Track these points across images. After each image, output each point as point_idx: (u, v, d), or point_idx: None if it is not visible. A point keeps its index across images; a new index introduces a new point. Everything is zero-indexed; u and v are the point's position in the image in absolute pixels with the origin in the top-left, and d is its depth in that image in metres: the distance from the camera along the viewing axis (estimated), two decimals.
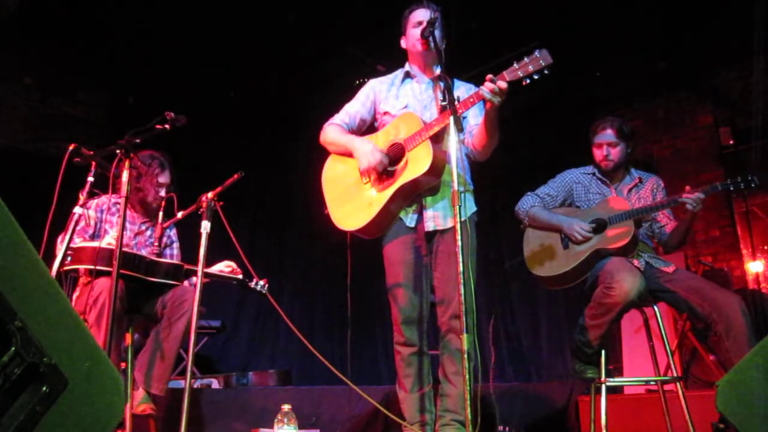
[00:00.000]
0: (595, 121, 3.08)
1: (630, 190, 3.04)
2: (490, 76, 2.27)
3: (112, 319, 2.23)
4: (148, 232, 3.16)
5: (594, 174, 3.09)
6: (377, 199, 2.52)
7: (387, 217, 2.55)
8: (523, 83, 2.24)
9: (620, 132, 3.00)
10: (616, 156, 3.00)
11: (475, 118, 2.59)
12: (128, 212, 2.94)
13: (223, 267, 3.03)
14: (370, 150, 2.53)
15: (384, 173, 2.54)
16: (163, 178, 3.12)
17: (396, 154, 2.53)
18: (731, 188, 2.71)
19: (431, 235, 2.57)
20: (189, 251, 3.06)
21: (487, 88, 2.26)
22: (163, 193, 3.11)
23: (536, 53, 2.21)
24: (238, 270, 3.04)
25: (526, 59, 2.22)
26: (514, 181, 4.21)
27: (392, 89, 2.73)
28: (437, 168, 2.43)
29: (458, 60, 2.59)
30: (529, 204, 3.06)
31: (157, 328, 2.87)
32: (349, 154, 2.65)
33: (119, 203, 2.99)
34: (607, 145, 3.00)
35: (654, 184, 3.05)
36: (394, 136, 2.55)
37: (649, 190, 3.03)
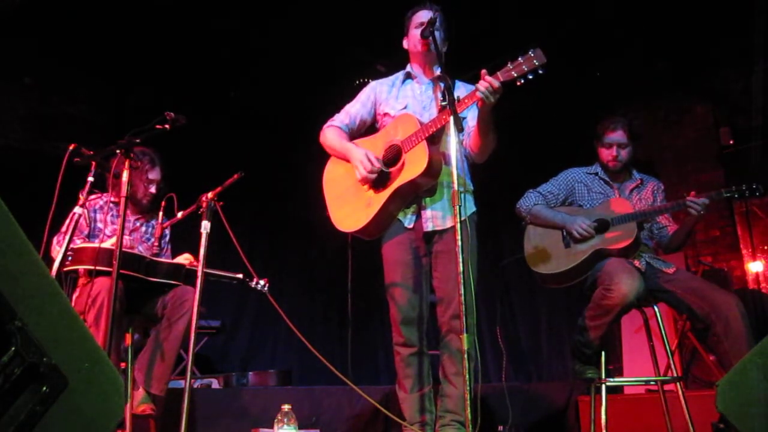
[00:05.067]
0: (604, 121, 3.05)
1: (631, 191, 3.04)
2: (485, 71, 2.26)
3: (112, 319, 2.23)
4: (143, 228, 3.17)
5: (597, 174, 3.08)
6: (375, 200, 2.52)
7: (385, 218, 2.55)
8: (518, 83, 2.21)
9: (630, 133, 3.01)
10: (626, 157, 3.00)
11: (473, 119, 2.58)
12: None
13: (182, 260, 3.01)
14: (362, 156, 2.53)
15: (382, 175, 2.54)
16: (153, 175, 3.13)
17: (393, 156, 2.53)
18: (736, 196, 2.72)
19: (430, 236, 2.57)
20: (189, 251, 3.06)
21: (482, 86, 2.25)
22: (153, 189, 3.12)
23: (530, 52, 2.19)
24: (196, 262, 3.02)
25: (520, 59, 2.20)
26: (514, 181, 4.20)
27: (393, 90, 2.73)
28: (434, 169, 2.43)
29: (458, 60, 2.59)
30: (531, 202, 3.06)
31: (158, 328, 2.87)
32: (347, 159, 2.65)
33: (113, 202, 3.01)
34: (617, 146, 2.99)
35: (655, 186, 3.06)
36: (392, 138, 2.55)
37: (650, 191, 3.04)
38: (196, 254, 2.41)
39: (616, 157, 2.99)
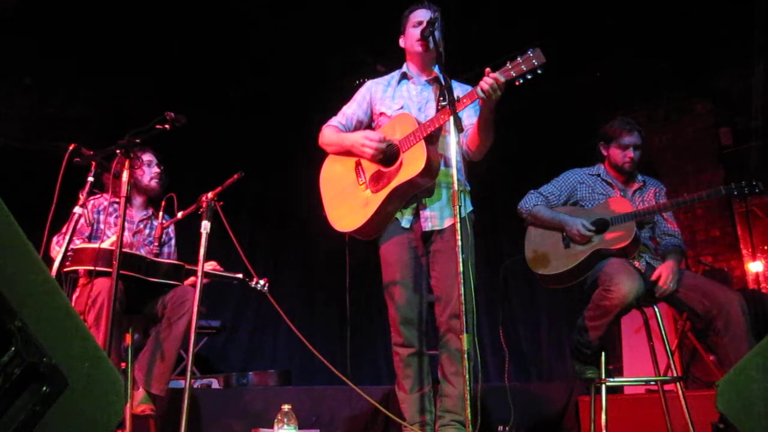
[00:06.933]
0: (616, 122, 3.07)
1: (634, 193, 3.04)
2: (488, 69, 2.26)
3: (112, 320, 2.23)
4: (147, 230, 3.17)
5: (599, 175, 3.08)
6: (373, 200, 2.52)
7: (383, 218, 2.54)
8: (516, 83, 2.21)
9: (642, 135, 3.03)
10: (638, 158, 3.03)
11: (469, 118, 2.57)
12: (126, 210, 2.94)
13: (207, 266, 3.02)
14: (362, 135, 2.53)
15: (379, 174, 2.53)
16: (148, 156, 3.16)
17: (391, 155, 2.52)
18: (735, 193, 2.72)
19: (428, 236, 2.57)
20: (189, 251, 3.06)
21: (484, 84, 2.25)
22: (155, 168, 3.15)
23: (529, 52, 2.18)
24: (220, 267, 3.04)
25: (519, 59, 2.20)
26: (514, 181, 4.21)
27: (389, 90, 2.73)
28: (432, 169, 2.42)
29: (456, 61, 2.58)
30: (532, 202, 3.06)
31: (158, 328, 2.87)
32: (346, 154, 2.65)
33: (116, 202, 3.01)
34: (633, 147, 3.00)
35: (657, 189, 3.07)
36: (390, 137, 2.54)
37: (652, 194, 3.05)
38: (195, 254, 2.40)
39: (633, 159, 3.00)
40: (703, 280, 2.75)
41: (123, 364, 2.84)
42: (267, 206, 6.54)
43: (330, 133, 2.73)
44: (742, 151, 5.55)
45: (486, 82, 2.24)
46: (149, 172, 3.16)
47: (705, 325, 2.62)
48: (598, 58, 5.50)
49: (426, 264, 2.58)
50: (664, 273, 2.70)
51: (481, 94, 2.25)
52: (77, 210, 2.58)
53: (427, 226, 2.54)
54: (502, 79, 2.22)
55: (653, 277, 2.72)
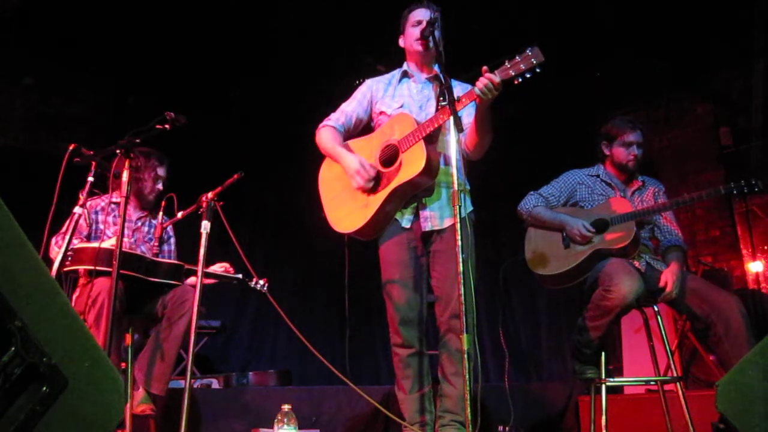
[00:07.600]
0: (617, 122, 3.08)
1: (633, 193, 3.04)
2: (485, 68, 2.25)
3: (112, 320, 2.23)
4: (145, 228, 3.17)
5: (599, 176, 3.08)
6: (372, 201, 2.51)
7: (383, 218, 2.53)
8: (515, 82, 2.20)
9: (643, 133, 3.04)
10: (641, 156, 3.03)
11: (468, 117, 2.56)
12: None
13: (218, 268, 3.04)
14: (356, 168, 2.51)
15: (379, 175, 2.53)
16: (162, 171, 3.18)
17: (390, 156, 2.52)
18: (735, 192, 2.72)
19: (428, 236, 2.56)
20: (189, 251, 3.06)
21: (480, 83, 2.24)
22: (160, 185, 3.15)
23: (528, 51, 2.17)
24: (232, 269, 3.06)
25: (517, 57, 2.19)
26: (514, 182, 4.21)
27: (389, 89, 2.72)
28: (431, 169, 2.42)
29: (456, 61, 2.58)
30: (532, 203, 3.06)
31: (158, 328, 2.88)
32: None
33: (114, 202, 3.01)
34: (637, 144, 3.01)
35: (656, 189, 3.07)
36: (389, 137, 2.53)
37: (651, 194, 3.05)
38: (196, 255, 2.41)
39: (636, 156, 3.01)
40: (703, 284, 2.74)
41: (123, 364, 2.84)
42: (267, 206, 6.54)
43: (327, 139, 2.69)
44: (742, 151, 5.55)
45: (482, 82, 2.24)
46: (154, 186, 3.15)
47: (705, 326, 2.62)
48: (598, 58, 5.50)
49: (426, 264, 2.58)
50: (670, 280, 2.70)
51: (479, 93, 2.25)
52: (77, 210, 2.58)
53: (427, 226, 2.53)
54: (497, 79, 2.21)
55: (660, 284, 2.72)
